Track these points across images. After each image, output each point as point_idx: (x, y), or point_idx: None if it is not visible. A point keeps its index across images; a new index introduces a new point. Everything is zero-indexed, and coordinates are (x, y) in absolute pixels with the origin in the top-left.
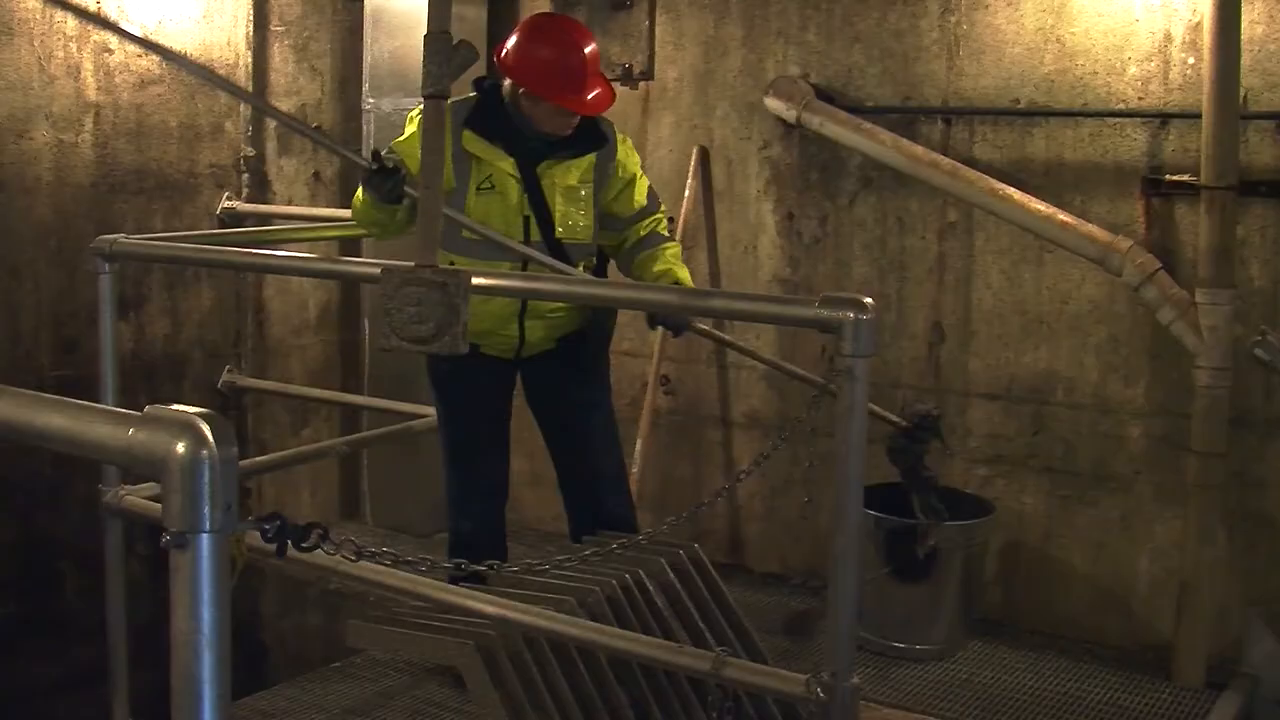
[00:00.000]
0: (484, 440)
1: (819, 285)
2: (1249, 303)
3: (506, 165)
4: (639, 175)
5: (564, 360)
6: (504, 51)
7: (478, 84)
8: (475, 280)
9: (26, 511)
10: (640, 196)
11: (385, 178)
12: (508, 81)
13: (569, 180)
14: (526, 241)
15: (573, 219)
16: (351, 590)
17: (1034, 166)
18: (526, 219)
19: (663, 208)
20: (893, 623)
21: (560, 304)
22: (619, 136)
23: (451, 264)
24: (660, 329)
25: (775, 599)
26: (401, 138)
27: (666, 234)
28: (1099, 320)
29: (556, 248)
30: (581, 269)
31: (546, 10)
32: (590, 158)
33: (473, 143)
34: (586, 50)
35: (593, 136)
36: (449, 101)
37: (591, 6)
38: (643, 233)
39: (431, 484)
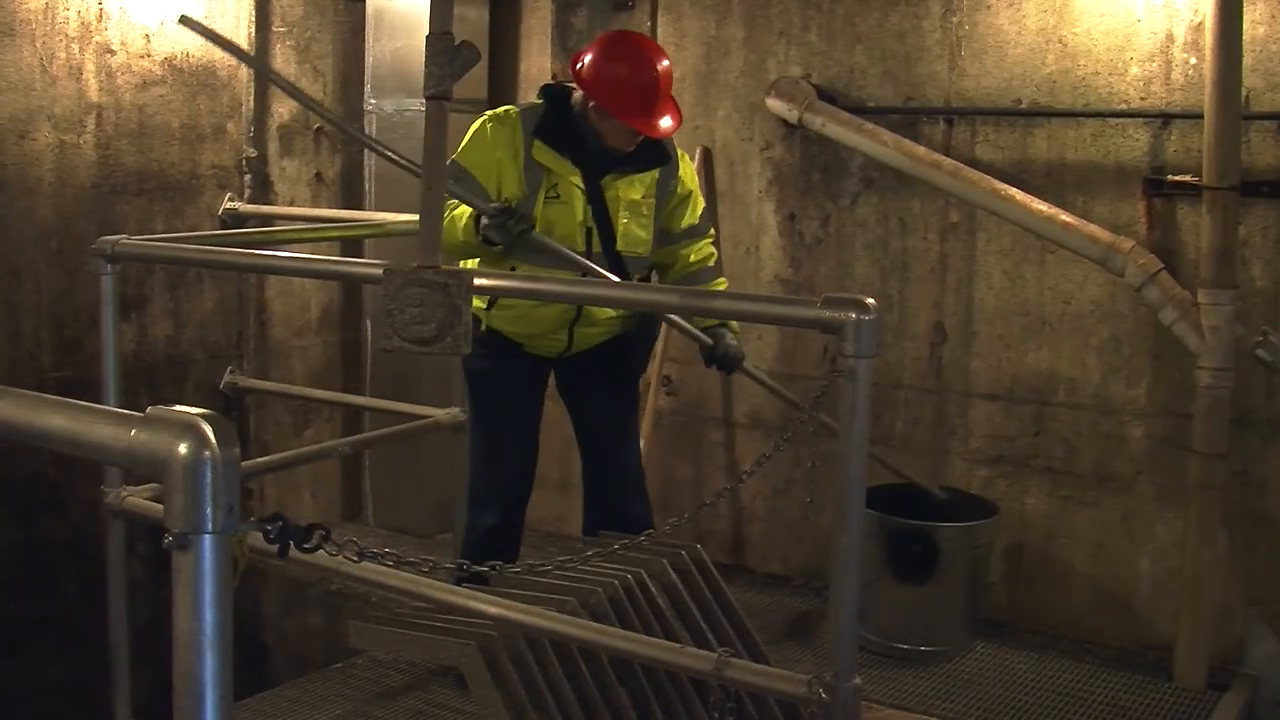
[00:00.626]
0: (515, 440)
1: (821, 286)
2: (1251, 303)
3: (574, 176)
4: (696, 194)
5: (603, 362)
6: (581, 63)
7: (545, 91)
8: (477, 281)
9: (28, 512)
10: (693, 216)
11: (508, 218)
12: (579, 93)
13: (633, 195)
14: (587, 253)
15: (633, 233)
16: (353, 591)
17: (1036, 167)
18: (589, 230)
19: (711, 232)
20: (895, 624)
21: (614, 312)
22: (680, 154)
23: (513, 269)
24: (715, 368)
25: (777, 600)
26: (458, 150)
27: (715, 267)
28: (1101, 321)
29: (615, 260)
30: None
31: (551, 15)
32: (654, 173)
33: (542, 153)
34: (661, 71)
35: (657, 153)
36: (517, 109)
37: (593, 8)
38: (692, 259)
39: (434, 485)
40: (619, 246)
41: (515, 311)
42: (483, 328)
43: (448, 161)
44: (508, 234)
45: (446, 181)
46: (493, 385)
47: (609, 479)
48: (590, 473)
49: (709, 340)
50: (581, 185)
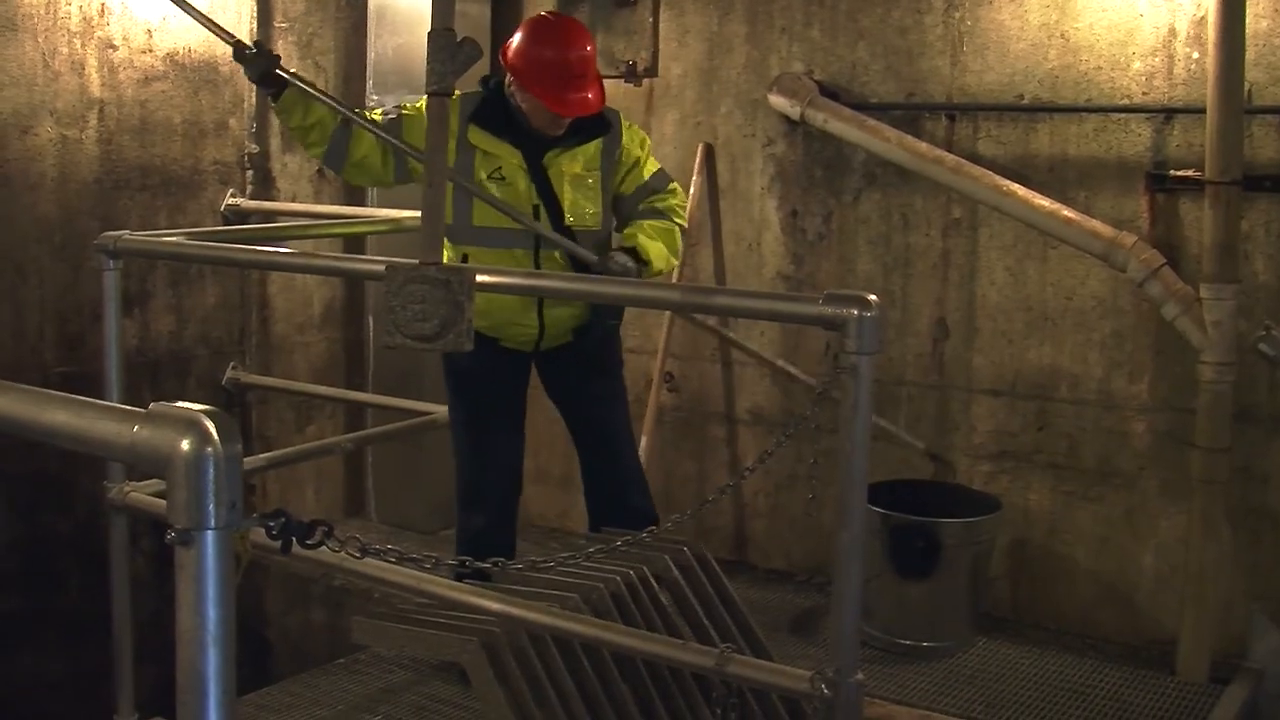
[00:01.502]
0: (499, 435)
1: (823, 282)
2: (1253, 298)
3: (514, 157)
4: (645, 157)
5: (581, 354)
6: (508, 45)
7: (484, 81)
8: (480, 278)
9: (31, 507)
10: (640, 176)
11: (249, 60)
12: (506, 75)
13: (575, 168)
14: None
15: (580, 206)
16: (356, 587)
17: (1038, 162)
18: (536, 208)
19: (672, 186)
20: (898, 619)
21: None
22: (625, 123)
23: (465, 257)
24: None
25: (780, 596)
26: (415, 105)
27: (666, 211)
28: (1103, 316)
29: (566, 234)
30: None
31: (551, 8)
32: (596, 144)
33: (478, 136)
34: (581, 53)
35: (596, 124)
36: (456, 94)
37: (595, 4)
38: (641, 208)
39: (436, 481)
40: (567, 220)
41: (482, 301)
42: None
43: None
44: (254, 68)
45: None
46: (472, 385)
47: (606, 472)
48: (587, 468)
49: (593, 258)
50: (524, 165)
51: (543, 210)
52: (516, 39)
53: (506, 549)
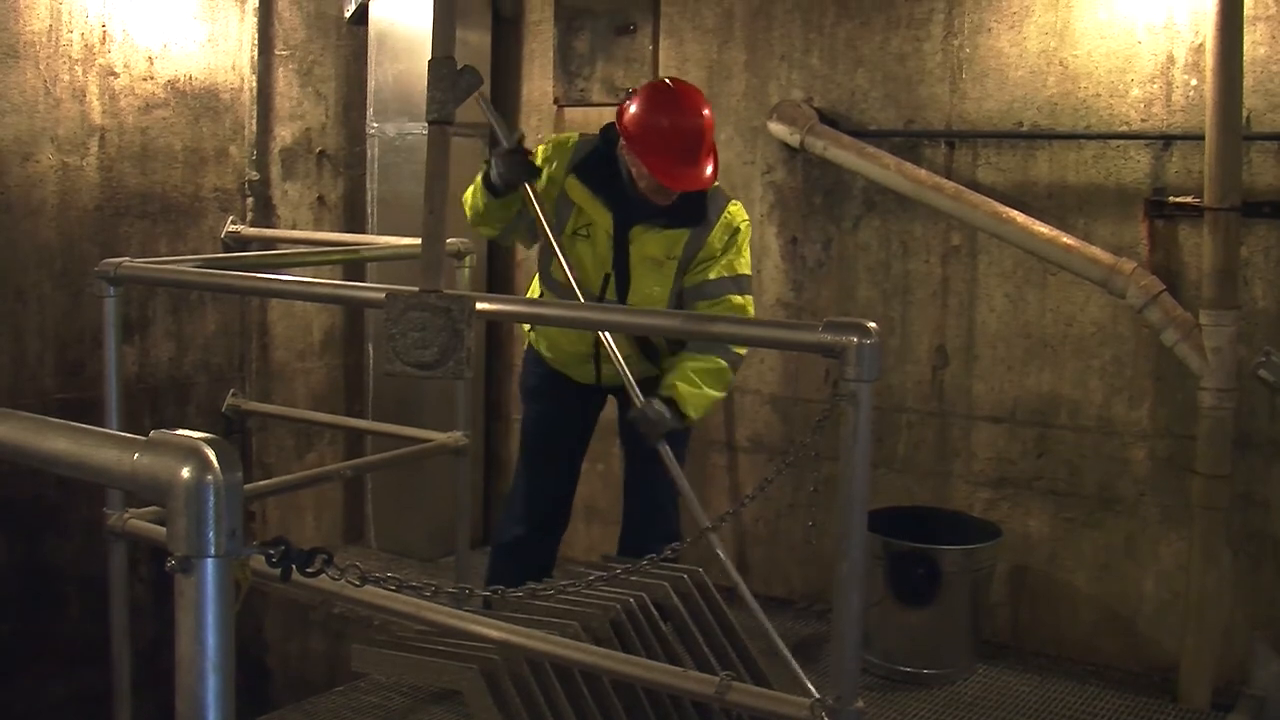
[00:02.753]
0: (552, 460)
1: (823, 309)
2: (1253, 324)
3: (604, 219)
4: (719, 260)
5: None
6: (626, 106)
7: (605, 131)
8: (480, 305)
9: (31, 534)
10: (703, 274)
11: (510, 159)
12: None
13: (653, 250)
14: (601, 298)
15: (647, 288)
16: (356, 614)
17: (1037, 189)
18: (607, 276)
19: (730, 299)
20: (899, 646)
21: (629, 350)
22: (725, 218)
23: (541, 295)
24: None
25: (780, 623)
26: (545, 146)
27: (733, 350)
28: (1103, 342)
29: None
30: (663, 341)
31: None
32: (684, 233)
33: (576, 190)
34: (698, 126)
35: (693, 212)
36: (578, 138)
37: (595, 31)
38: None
39: (436, 508)
40: (630, 299)
41: (546, 337)
42: (525, 344)
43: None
44: (508, 168)
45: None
46: (538, 404)
47: (639, 508)
48: (627, 517)
49: (639, 400)
50: (610, 230)
51: (612, 280)
52: (635, 102)
53: (538, 567)
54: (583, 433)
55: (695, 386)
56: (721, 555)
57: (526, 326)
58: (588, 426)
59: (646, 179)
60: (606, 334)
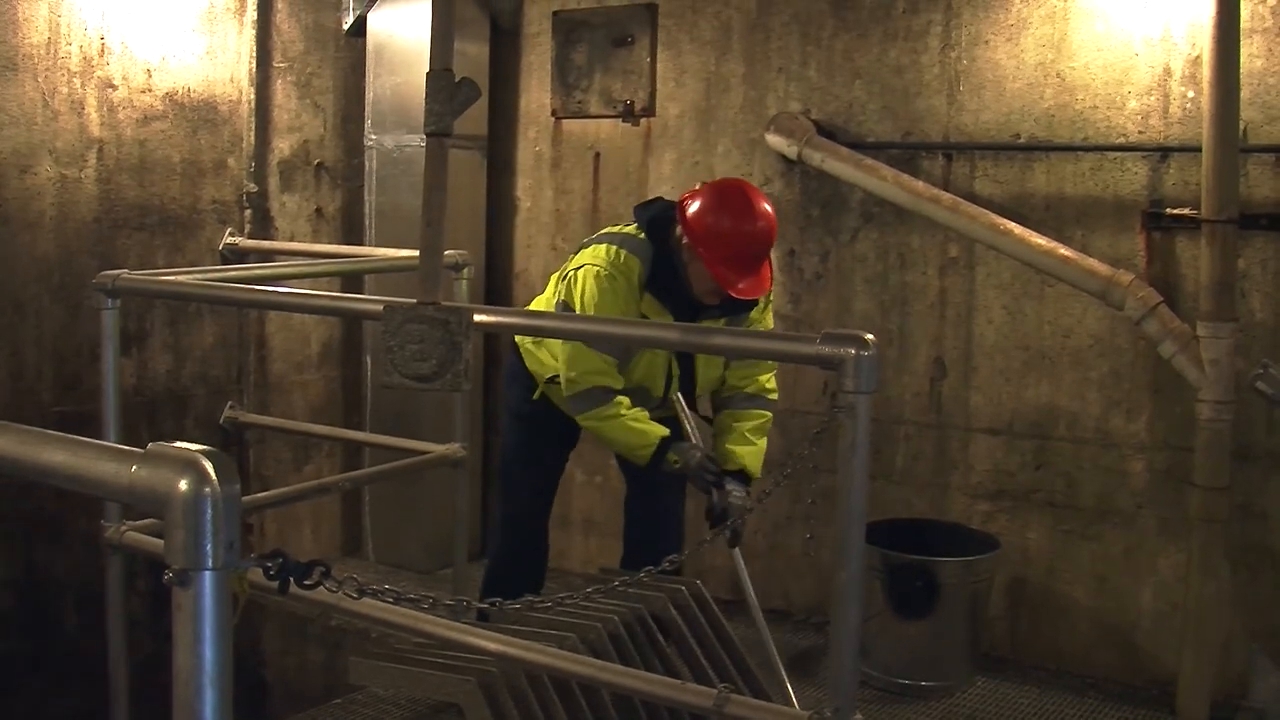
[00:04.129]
0: (542, 477)
1: (820, 321)
2: (1250, 336)
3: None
4: (756, 323)
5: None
6: (689, 206)
7: (650, 229)
8: (478, 318)
9: (28, 547)
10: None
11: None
12: (679, 230)
13: None
14: (665, 397)
15: (711, 379)
16: (353, 627)
17: (1035, 201)
18: (670, 373)
19: (768, 364)
20: (897, 659)
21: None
22: (767, 299)
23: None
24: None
25: (778, 635)
26: (591, 308)
27: (769, 398)
28: (1101, 354)
29: (690, 395)
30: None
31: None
32: (728, 319)
33: (650, 306)
34: (764, 234)
35: (748, 303)
36: (631, 255)
37: (593, 43)
38: (743, 383)
39: (433, 521)
40: (698, 391)
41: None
42: (535, 394)
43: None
44: (694, 468)
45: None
46: (534, 429)
47: (646, 518)
48: (630, 512)
49: (715, 506)
50: None
51: (674, 374)
52: (698, 201)
53: (538, 569)
54: (569, 452)
55: (752, 445)
56: (744, 577)
57: (543, 373)
58: (573, 446)
59: (704, 278)
60: (685, 410)
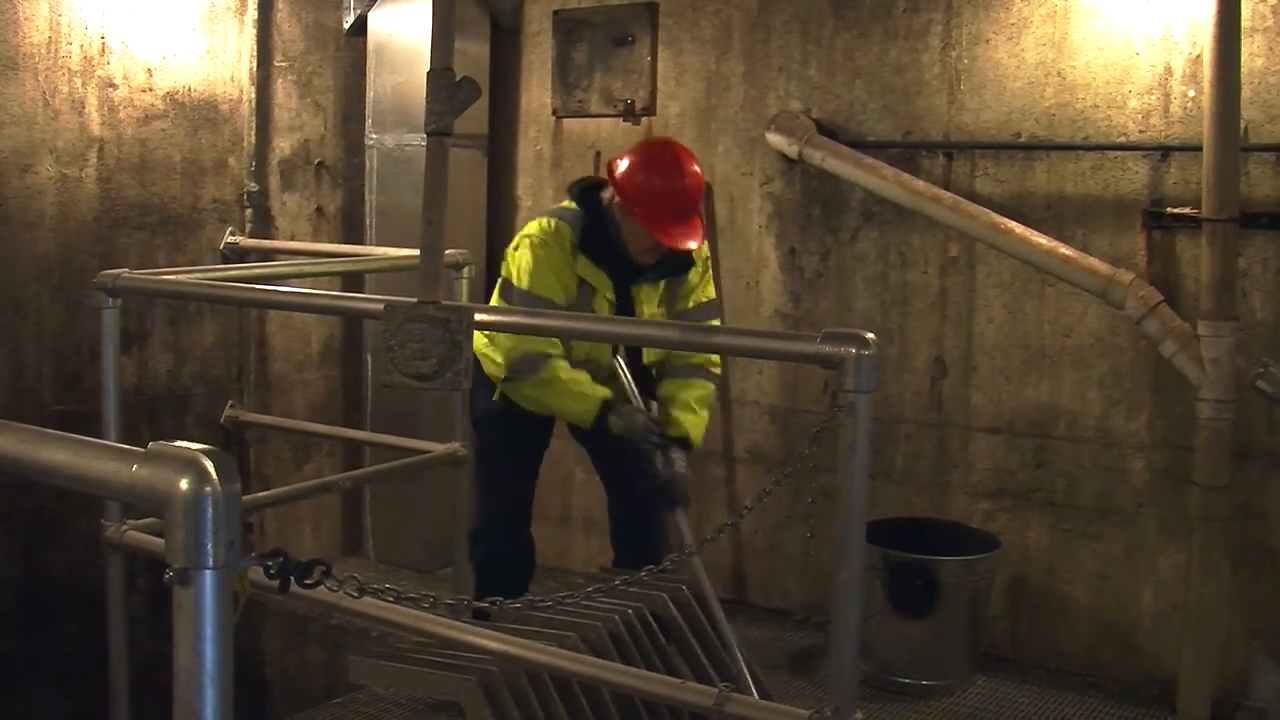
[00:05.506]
0: (518, 479)
1: (821, 320)
2: (1251, 335)
3: (605, 287)
4: (696, 287)
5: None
6: (619, 167)
7: (581, 198)
8: (478, 316)
9: (28, 546)
10: (692, 302)
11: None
12: (609, 192)
13: (654, 306)
14: (614, 352)
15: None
16: (354, 626)
17: (1035, 200)
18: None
19: (715, 322)
20: (897, 658)
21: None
22: (702, 261)
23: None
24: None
25: (778, 634)
26: (526, 277)
27: (712, 370)
28: (1101, 354)
29: (637, 362)
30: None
31: (546, 42)
32: (667, 280)
33: (585, 268)
34: (693, 186)
35: (683, 259)
36: (562, 222)
37: (593, 42)
38: (691, 354)
39: (434, 519)
40: (645, 360)
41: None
42: (495, 395)
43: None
44: (643, 424)
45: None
46: (500, 430)
47: (627, 512)
48: (611, 506)
49: (658, 474)
50: (611, 297)
51: (619, 347)
52: (627, 161)
53: (525, 568)
54: (544, 450)
55: (696, 414)
56: (687, 535)
57: (498, 374)
58: (547, 443)
59: (639, 236)
60: (625, 374)
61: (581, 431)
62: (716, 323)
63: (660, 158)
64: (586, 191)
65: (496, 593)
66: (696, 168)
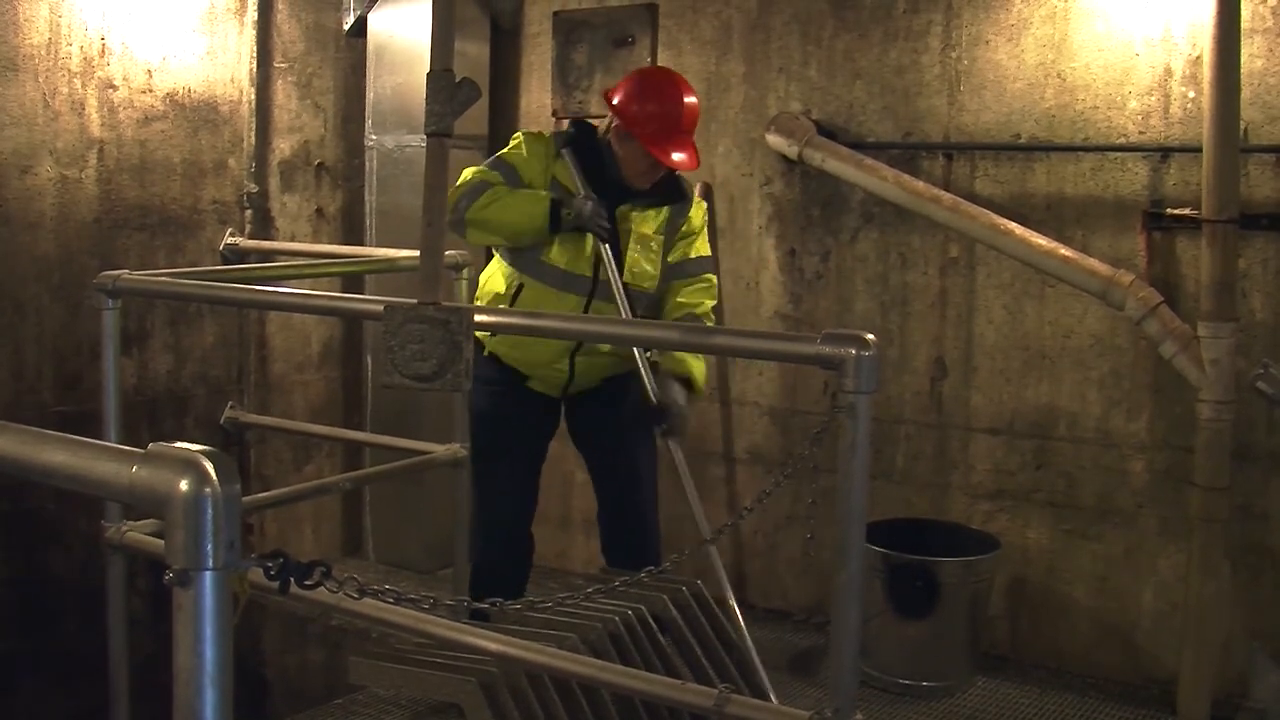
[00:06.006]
0: (515, 480)
1: (821, 321)
2: (1251, 335)
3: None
4: (699, 235)
5: (611, 400)
6: (616, 91)
7: (577, 123)
8: (478, 317)
9: (28, 547)
10: (686, 252)
11: (598, 211)
12: (606, 119)
13: (645, 229)
14: (594, 280)
15: (641, 267)
16: (354, 627)
17: (1035, 201)
18: (597, 258)
19: (708, 277)
20: (897, 659)
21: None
22: (696, 198)
23: (521, 287)
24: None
25: (778, 635)
26: (507, 151)
27: (703, 316)
28: (1101, 354)
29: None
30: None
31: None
32: (667, 210)
33: (564, 173)
34: (689, 108)
35: (673, 190)
36: (551, 133)
37: (593, 43)
38: (680, 299)
39: (434, 521)
40: (625, 278)
41: (513, 336)
42: (485, 351)
43: (490, 160)
44: (592, 209)
45: (446, 218)
46: (495, 425)
47: (624, 527)
48: (605, 520)
49: (654, 400)
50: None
51: (604, 263)
52: (625, 86)
53: (520, 578)
54: (544, 450)
55: (700, 360)
56: (719, 567)
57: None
58: (545, 443)
59: (636, 158)
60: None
61: (578, 433)
62: (712, 277)
63: (657, 81)
64: (580, 122)
65: (489, 593)
66: (692, 97)
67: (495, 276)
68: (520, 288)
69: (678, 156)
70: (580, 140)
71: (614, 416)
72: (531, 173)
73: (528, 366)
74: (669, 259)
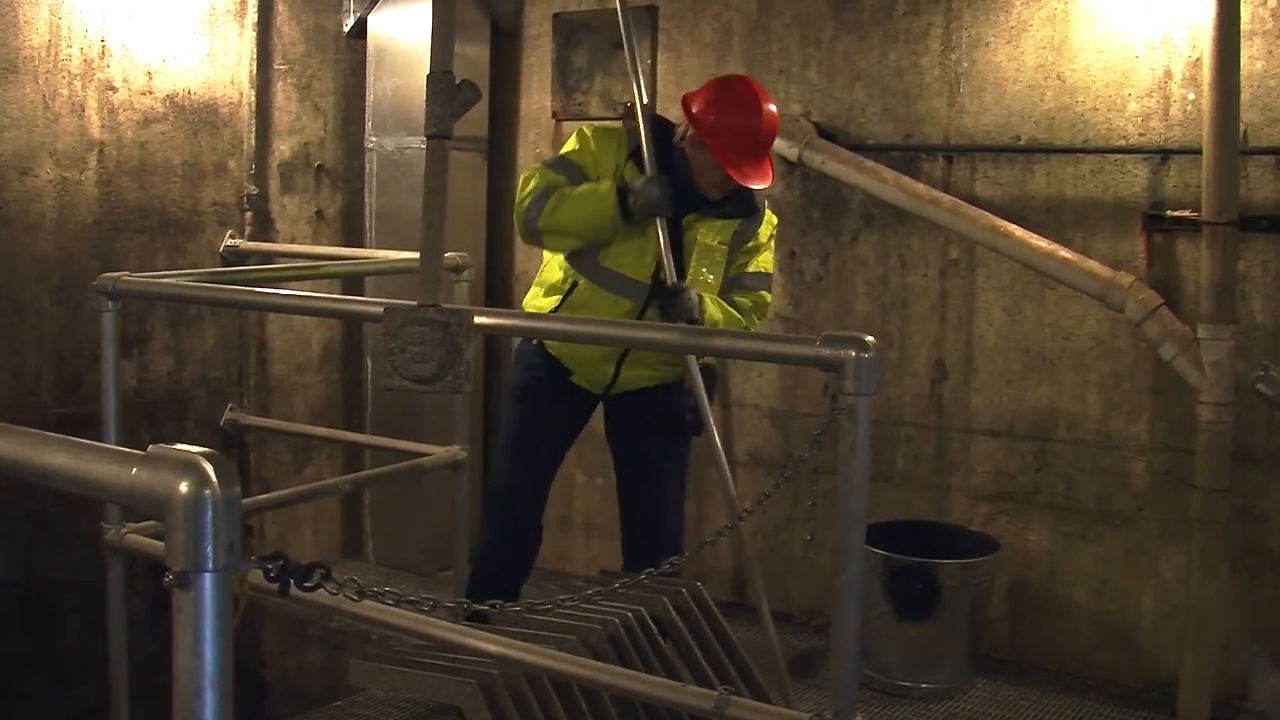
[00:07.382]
0: (534, 470)
1: (821, 323)
2: (1251, 338)
3: None
4: (766, 250)
5: (653, 408)
6: (694, 100)
7: (655, 122)
8: (478, 319)
9: (28, 548)
10: (751, 266)
11: (667, 191)
12: (681, 127)
13: (710, 239)
14: (652, 286)
15: (702, 276)
16: (354, 629)
17: (1035, 203)
18: (657, 265)
19: (762, 294)
20: (897, 661)
21: (665, 357)
22: (767, 212)
23: (574, 285)
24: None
25: (779, 637)
26: (571, 148)
27: (746, 313)
28: (1101, 356)
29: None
30: None
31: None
32: (735, 223)
33: (631, 174)
34: (769, 124)
35: (745, 204)
36: (622, 128)
37: (593, 45)
38: (737, 299)
39: (434, 523)
40: (685, 284)
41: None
42: (534, 339)
43: (554, 159)
44: (660, 192)
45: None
46: (527, 409)
47: (645, 535)
48: (626, 526)
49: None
50: (664, 220)
51: (667, 269)
52: (705, 94)
53: (524, 565)
54: (567, 445)
55: (719, 309)
56: (749, 553)
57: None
58: (571, 440)
59: (709, 170)
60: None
61: (613, 433)
62: (767, 295)
63: (739, 93)
64: (657, 118)
65: (490, 580)
66: (773, 107)
67: (552, 266)
68: (575, 285)
69: (752, 176)
70: (656, 135)
71: (652, 426)
72: (602, 169)
73: (573, 362)
74: (729, 271)
